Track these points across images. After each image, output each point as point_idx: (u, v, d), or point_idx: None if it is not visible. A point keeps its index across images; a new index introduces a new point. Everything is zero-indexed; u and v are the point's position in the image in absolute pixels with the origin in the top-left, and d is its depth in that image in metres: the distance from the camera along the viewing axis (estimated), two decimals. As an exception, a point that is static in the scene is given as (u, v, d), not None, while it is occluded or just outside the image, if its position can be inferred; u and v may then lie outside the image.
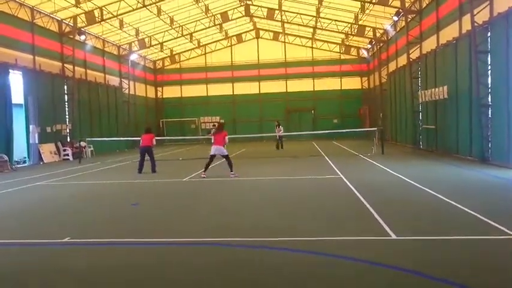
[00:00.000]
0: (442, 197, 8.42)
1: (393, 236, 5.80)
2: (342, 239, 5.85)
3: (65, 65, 24.11)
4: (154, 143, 15.10)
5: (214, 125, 26.45)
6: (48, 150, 21.73)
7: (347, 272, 4.64)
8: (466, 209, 7.23)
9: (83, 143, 22.70)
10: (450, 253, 5.12)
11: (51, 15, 22.99)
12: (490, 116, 14.35)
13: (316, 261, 5.03)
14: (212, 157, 12.99)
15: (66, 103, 24.33)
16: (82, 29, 24.71)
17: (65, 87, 24.30)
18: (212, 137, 13.60)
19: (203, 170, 12.86)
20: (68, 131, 24.00)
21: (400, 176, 11.65)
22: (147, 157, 14.54)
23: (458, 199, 8.00)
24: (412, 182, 10.42)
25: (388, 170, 13.12)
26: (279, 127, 25.65)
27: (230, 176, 12.62)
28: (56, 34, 23.79)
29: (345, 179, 11.32)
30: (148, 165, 14.43)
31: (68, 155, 22.61)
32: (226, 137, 13.07)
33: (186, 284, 4.50)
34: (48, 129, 21.99)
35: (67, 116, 24.31)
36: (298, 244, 5.65)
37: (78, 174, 15.31)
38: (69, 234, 6.48)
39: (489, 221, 6.37)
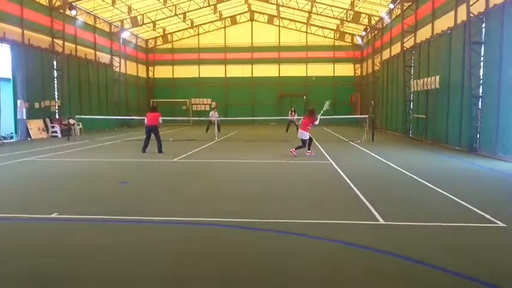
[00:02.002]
0: (429, 184, 8.52)
1: (381, 221, 5.88)
2: (331, 222, 5.90)
3: (55, 40, 23.59)
4: (161, 121, 14.50)
5: (215, 107, 26.13)
6: (36, 127, 21.43)
7: (334, 255, 4.70)
8: (452, 197, 7.34)
9: (71, 120, 22.42)
10: (435, 238, 5.21)
11: (41, -12, 22.41)
12: (480, 107, 14.48)
13: (304, 243, 5.08)
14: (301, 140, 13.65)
15: (56, 79, 23.90)
16: (73, 3, 24.13)
17: (54, 62, 23.84)
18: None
19: (308, 150, 13.58)
20: (56, 107, 23.64)
21: (389, 163, 11.76)
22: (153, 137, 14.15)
23: (445, 187, 8.11)
24: (401, 169, 10.52)
25: (377, 157, 13.22)
26: (292, 113, 26.79)
27: (306, 153, 13.38)
28: (45, 8, 23.21)
29: (334, 165, 11.38)
30: (152, 145, 14.15)
31: (56, 131, 22.33)
32: (314, 122, 13.80)
33: (172, 262, 4.52)
34: (37, 105, 21.63)
35: (56, 92, 23.91)
36: (286, 226, 5.68)
37: (66, 151, 15.16)
38: (57, 209, 6.44)
39: (474, 209, 6.49)
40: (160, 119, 14.47)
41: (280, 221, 5.93)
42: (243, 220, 5.96)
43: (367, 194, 7.52)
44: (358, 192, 7.76)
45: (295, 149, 13.37)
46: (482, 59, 14.42)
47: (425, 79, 18.85)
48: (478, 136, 14.57)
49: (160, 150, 14.06)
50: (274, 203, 7.17)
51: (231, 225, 5.73)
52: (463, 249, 4.88)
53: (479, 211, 6.37)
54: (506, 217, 6.02)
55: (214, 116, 23.32)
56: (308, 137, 13.59)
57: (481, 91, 14.46)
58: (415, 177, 9.44)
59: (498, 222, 5.82)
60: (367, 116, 22.65)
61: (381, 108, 28.78)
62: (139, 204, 7.07)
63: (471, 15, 14.43)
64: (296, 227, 5.63)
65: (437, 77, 17.46)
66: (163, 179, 9.73)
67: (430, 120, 19.13)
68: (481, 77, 14.44)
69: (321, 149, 15.82)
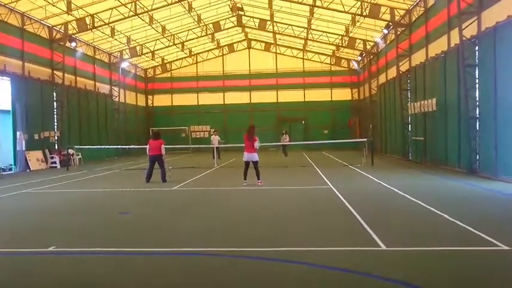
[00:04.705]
0: (431, 208, 8.45)
1: (383, 247, 5.79)
2: (332, 249, 5.81)
3: (55, 71, 23.88)
4: (164, 152, 13.88)
5: (215, 131, 26.10)
6: (35, 158, 21.41)
7: (336, 283, 4.60)
8: (454, 220, 7.25)
9: (71, 151, 22.44)
10: (439, 264, 5.11)
11: (41, 21, 22.84)
12: (478, 128, 14.54)
13: (306, 271, 4.98)
14: (247, 164, 12.86)
15: (55, 110, 24.06)
16: (73, 36, 24.59)
17: (54, 94, 24.05)
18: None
19: (243, 178, 12.78)
20: (56, 138, 23.70)
21: (390, 187, 11.69)
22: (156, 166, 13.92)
23: (447, 210, 8.03)
24: (402, 193, 10.46)
25: (377, 180, 13.16)
26: (284, 136, 27.12)
27: (257, 183, 12.60)
28: (46, 40, 23.61)
29: (334, 190, 11.31)
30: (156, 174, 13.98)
31: (55, 162, 22.31)
32: (256, 143, 12.84)
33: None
34: (36, 136, 21.69)
35: (55, 123, 24.02)
36: (287, 254, 5.59)
37: (65, 182, 15.09)
38: (55, 243, 6.34)
39: (477, 232, 6.39)
40: (163, 148, 13.94)
41: (280, 249, 5.83)
42: (243, 249, 5.86)
43: (367, 219, 7.43)
44: (358, 217, 7.68)
45: (258, 179, 12.74)
46: (477, 81, 14.58)
47: (422, 102, 19.00)
48: (477, 157, 14.56)
49: (164, 179, 13.90)
50: (273, 230, 7.07)
51: (232, 255, 5.63)
52: (466, 274, 4.78)
53: (482, 234, 6.28)
54: (509, 239, 5.92)
55: (215, 139, 23.24)
56: (257, 159, 12.87)
57: (477, 112, 14.55)
58: (415, 200, 9.37)
59: (501, 245, 5.73)
60: (365, 139, 22.70)
61: (380, 132, 28.90)
62: (139, 235, 6.98)
63: (464, 38, 14.68)
64: (296, 255, 5.54)
65: (434, 100, 17.60)
66: (164, 209, 9.63)
67: (428, 142, 19.17)
68: (477, 99, 14.56)
69: (321, 173, 15.77)
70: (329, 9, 24.46)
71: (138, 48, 31.56)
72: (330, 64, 38.38)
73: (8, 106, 20.22)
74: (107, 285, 4.70)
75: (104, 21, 24.54)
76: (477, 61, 14.60)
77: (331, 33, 30.30)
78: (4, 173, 18.69)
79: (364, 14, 23.32)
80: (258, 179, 12.78)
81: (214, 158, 21.54)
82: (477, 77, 14.58)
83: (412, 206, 8.95)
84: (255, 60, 39.11)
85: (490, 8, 13.79)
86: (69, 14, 22.43)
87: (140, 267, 5.32)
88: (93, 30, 25.19)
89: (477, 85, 14.57)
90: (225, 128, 37.20)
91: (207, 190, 12.32)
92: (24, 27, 21.60)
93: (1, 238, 6.99)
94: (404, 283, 4.45)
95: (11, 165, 20.32)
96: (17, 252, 6.03)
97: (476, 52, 14.64)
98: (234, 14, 31.15)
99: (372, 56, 31.46)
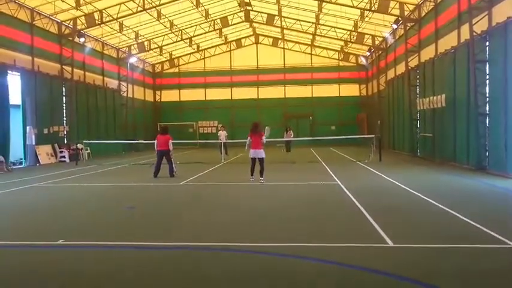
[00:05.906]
0: (439, 204, 8.39)
1: (390, 244, 5.77)
2: (339, 245, 5.80)
3: (64, 66, 24.05)
4: (171, 147, 13.95)
5: (222, 126, 25.93)
6: (44, 152, 21.62)
7: (344, 279, 4.60)
8: (463, 217, 7.21)
9: (79, 145, 22.61)
10: (447, 261, 5.08)
11: (50, 17, 22.97)
12: (487, 125, 14.39)
13: (313, 267, 4.99)
14: (253, 160, 12.68)
15: (64, 105, 24.25)
16: (82, 31, 24.70)
17: (63, 89, 24.23)
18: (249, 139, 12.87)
19: (250, 174, 12.66)
20: (65, 132, 23.90)
21: (398, 183, 11.63)
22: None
23: (455, 207, 7.97)
24: (409, 190, 10.40)
25: (385, 177, 13.10)
26: (288, 132, 26.92)
27: (259, 180, 12.34)
28: (55, 36, 23.76)
29: (342, 186, 11.29)
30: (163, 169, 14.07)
31: (64, 157, 22.51)
32: (263, 138, 12.62)
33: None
34: (45, 131, 21.90)
35: (64, 118, 24.22)
36: (294, 250, 5.60)
37: (74, 176, 15.23)
38: (63, 236, 6.41)
39: (486, 230, 6.34)
40: (171, 143, 14.01)
41: (287, 244, 5.84)
42: (250, 245, 5.88)
43: (375, 216, 7.41)
44: (366, 214, 7.65)
45: (262, 177, 12.42)
46: (487, 77, 14.41)
47: (431, 98, 18.82)
48: (486, 154, 14.42)
49: (171, 174, 13.95)
50: (281, 226, 7.08)
51: (237, 250, 5.65)
52: (474, 272, 4.75)
53: (491, 232, 6.22)
54: (518, 237, 5.88)
55: (222, 135, 23.17)
56: (264, 156, 12.63)
57: (487, 109, 14.39)
58: (423, 196, 9.31)
59: (511, 243, 5.69)
60: (373, 135, 22.56)
61: (388, 128, 28.71)
62: (145, 230, 7.02)
63: (474, 34, 14.50)
64: (304, 251, 5.54)
65: (443, 96, 17.44)
66: (171, 203, 9.69)
67: (437, 139, 19.00)
68: (487, 95, 14.40)
69: (328, 169, 15.73)
70: (338, 4, 24.28)
71: (146, 43, 31.64)
72: (338, 59, 38.16)
73: (18, 101, 20.41)
74: (110, 278, 4.74)
75: (112, 17, 24.62)
76: (487, 57, 14.42)
77: (340, 28, 30.08)
78: (14, 167, 18.91)
79: (373, 8, 23.12)
80: (261, 176, 12.45)
81: (221, 153, 21.57)
82: (487, 72, 14.41)
83: (420, 203, 8.90)
84: (263, 55, 39.00)
85: (500, 3, 13.60)
86: (77, 9, 22.54)
87: (145, 262, 5.35)
88: (101, 25, 25.28)
89: (487, 81, 14.40)
90: (232, 123, 37.23)
91: (214, 185, 12.36)
92: (34, 22, 21.73)
93: (10, 231, 7.08)
94: (411, 280, 4.43)
95: (21, 159, 20.55)
96: (26, 245, 6.10)
97: (487, 48, 14.45)
98: (242, 9, 31.06)
99: (380, 52, 31.21)
